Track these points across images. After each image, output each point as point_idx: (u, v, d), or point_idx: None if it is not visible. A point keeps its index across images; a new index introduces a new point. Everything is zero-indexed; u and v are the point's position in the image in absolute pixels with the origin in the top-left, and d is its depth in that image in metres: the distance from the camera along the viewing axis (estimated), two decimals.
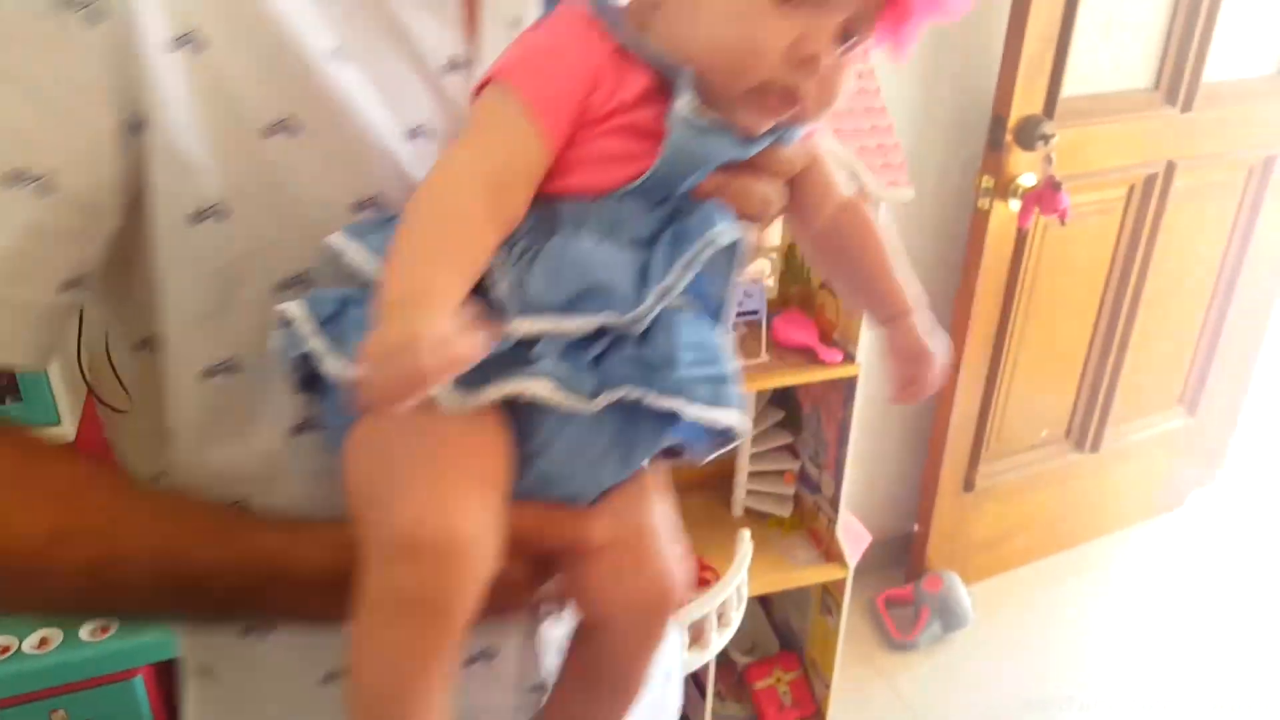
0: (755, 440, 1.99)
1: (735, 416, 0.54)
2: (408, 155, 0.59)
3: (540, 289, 0.52)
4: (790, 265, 1.95)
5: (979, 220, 2.05)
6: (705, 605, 1.70)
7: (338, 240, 0.54)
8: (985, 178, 2.00)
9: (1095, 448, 2.51)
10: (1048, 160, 1.94)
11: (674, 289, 0.53)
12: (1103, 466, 2.55)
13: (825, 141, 0.62)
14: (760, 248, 1.94)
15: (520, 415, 0.52)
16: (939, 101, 2.03)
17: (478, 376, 0.49)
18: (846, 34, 0.53)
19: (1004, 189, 2.01)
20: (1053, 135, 1.93)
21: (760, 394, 1.98)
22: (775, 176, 0.59)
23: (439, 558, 0.47)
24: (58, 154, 0.52)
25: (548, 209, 0.54)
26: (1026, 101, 1.93)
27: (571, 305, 0.52)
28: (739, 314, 1.75)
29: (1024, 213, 2.00)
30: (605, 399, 0.51)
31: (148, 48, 0.52)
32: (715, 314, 0.58)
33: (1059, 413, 2.46)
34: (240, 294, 0.58)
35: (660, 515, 0.61)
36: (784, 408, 2.04)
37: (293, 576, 0.58)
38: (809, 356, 1.82)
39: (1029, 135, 1.95)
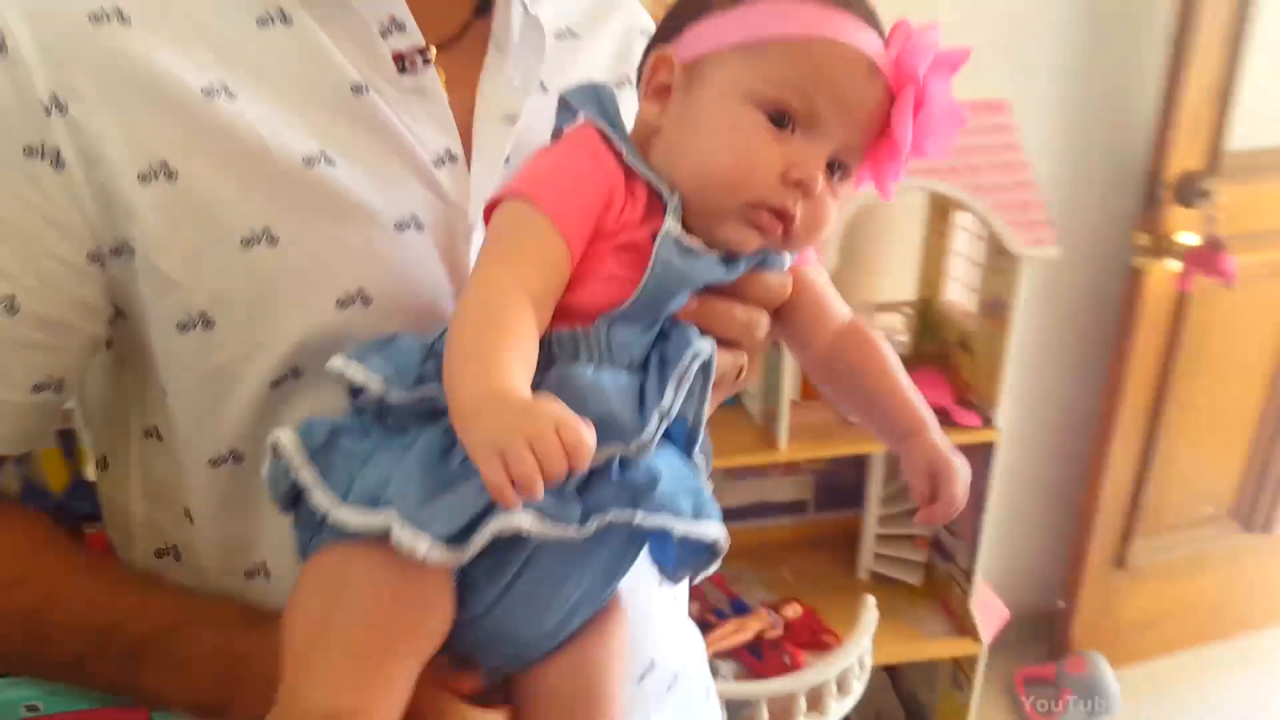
0: (884, 502, 1.93)
1: (719, 529, 0.54)
2: (395, 247, 0.61)
3: None
4: (925, 321, 1.89)
5: (1133, 280, 1.94)
6: (824, 671, 1.65)
7: (338, 363, 0.55)
8: (1141, 235, 1.90)
9: (1265, 528, 2.31)
10: (1210, 219, 1.83)
11: (671, 410, 0.53)
12: (1273, 549, 2.35)
13: (818, 268, 0.64)
14: (894, 302, 1.89)
15: (493, 547, 0.51)
16: (1090, 154, 1.94)
17: (462, 523, 0.49)
18: (835, 165, 0.56)
19: (1161, 248, 1.89)
20: (1216, 192, 1.81)
21: (890, 454, 1.91)
22: (759, 302, 0.60)
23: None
24: (21, 280, 0.57)
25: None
26: (1186, 156, 1.82)
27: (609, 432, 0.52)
28: None
29: (1185, 274, 1.88)
30: (595, 524, 0.51)
31: (120, 184, 0.57)
32: (687, 436, 0.57)
33: (1224, 489, 2.28)
34: (236, 392, 0.61)
35: (619, 652, 0.62)
36: None
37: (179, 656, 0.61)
38: (942, 418, 1.74)
39: (1189, 192, 1.84)
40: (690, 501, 0.53)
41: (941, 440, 0.59)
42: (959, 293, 1.83)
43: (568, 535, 0.51)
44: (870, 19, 0.56)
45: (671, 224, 0.54)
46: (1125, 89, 1.90)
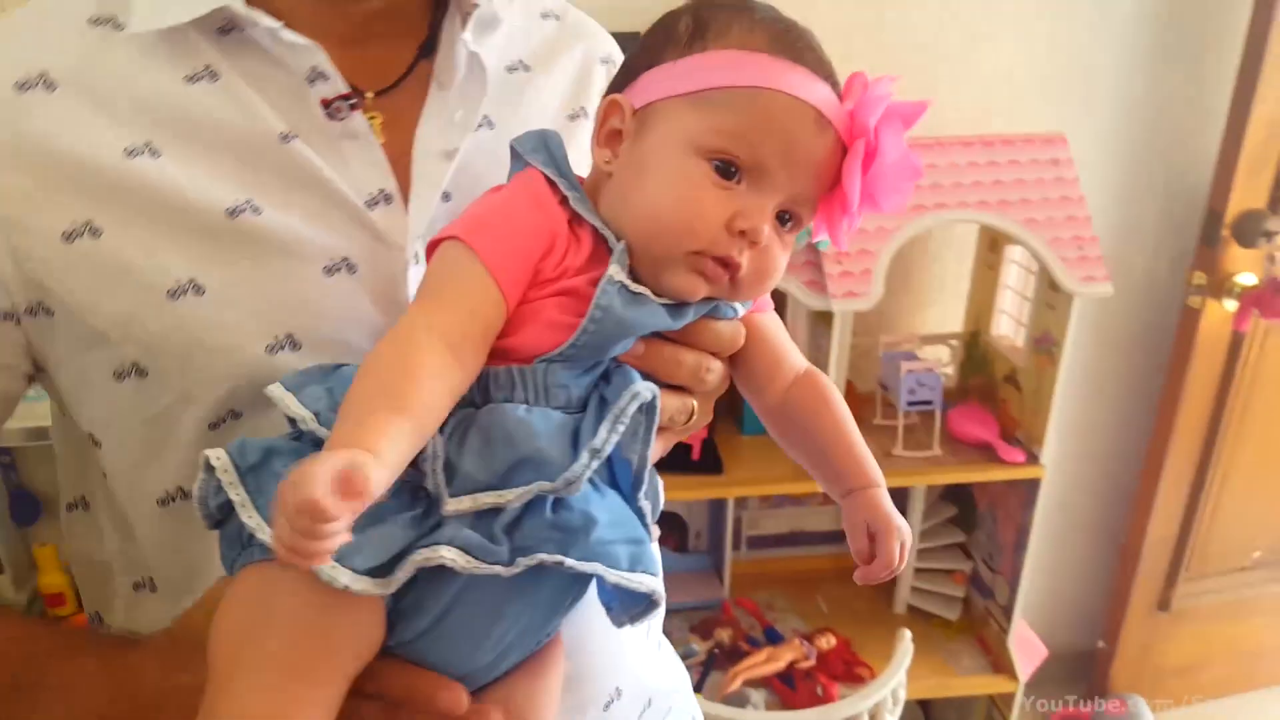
0: (923, 536, 1.90)
1: (655, 582, 0.54)
2: (323, 290, 0.61)
3: (474, 466, 0.51)
4: (971, 354, 1.87)
5: (1188, 319, 1.90)
6: (857, 704, 1.63)
7: (275, 391, 0.55)
8: (1198, 274, 1.86)
9: None
10: (1270, 259, 1.79)
11: (604, 449, 0.52)
12: None
13: (772, 317, 0.63)
14: (940, 334, 1.87)
15: (424, 577, 0.50)
16: (1148, 190, 1.91)
17: (387, 556, 0.49)
18: (786, 215, 0.57)
19: (1219, 288, 1.86)
20: (1277, 232, 1.77)
21: (930, 488, 1.89)
22: (709, 349, 0.60)
23: None
24: None
25: (477, 379, 0.54)
26: (1248, 195, 1.78)
27: (506, 478, 0.51)
28: (911, 403, 1.69)
29: (1241, 314, 1.84)
30: (523, 564, 0.50)
31: (42, 244, 0.59)
32: (633, 480, 0.56)
33: (1274, 534, 2.23)
34: (176, 435, 0.62)
35: (553, 690, 0.61)
36: (956, 504, 1.94)
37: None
38: (987, 453, 1.73)
39: (1250, 231, 1.80)
40: (627, 551, 0.53)
41: (885, 500, 0.59)
42: (1007, 327, 1.80)
43: (494, 572, 0.50)
44: (822, 70, 0.56)
45: (615, 270, 0.54)
46: (1187, 126, 1.86)
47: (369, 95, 0.65)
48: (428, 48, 0.68)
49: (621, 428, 0.53)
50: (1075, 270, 1.58)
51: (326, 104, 0.63)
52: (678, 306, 0.57)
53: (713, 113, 0.54)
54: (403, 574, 0.49)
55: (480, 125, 0.68)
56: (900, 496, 1.90)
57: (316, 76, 0.63)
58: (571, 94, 0.74)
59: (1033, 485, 1.73)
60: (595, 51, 0.77)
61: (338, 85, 0.63)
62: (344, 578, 0.47)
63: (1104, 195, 1.82)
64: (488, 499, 0.51)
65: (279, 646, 0.49)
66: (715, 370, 0.60)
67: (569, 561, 0.50)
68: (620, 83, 0.60)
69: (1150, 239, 1.93)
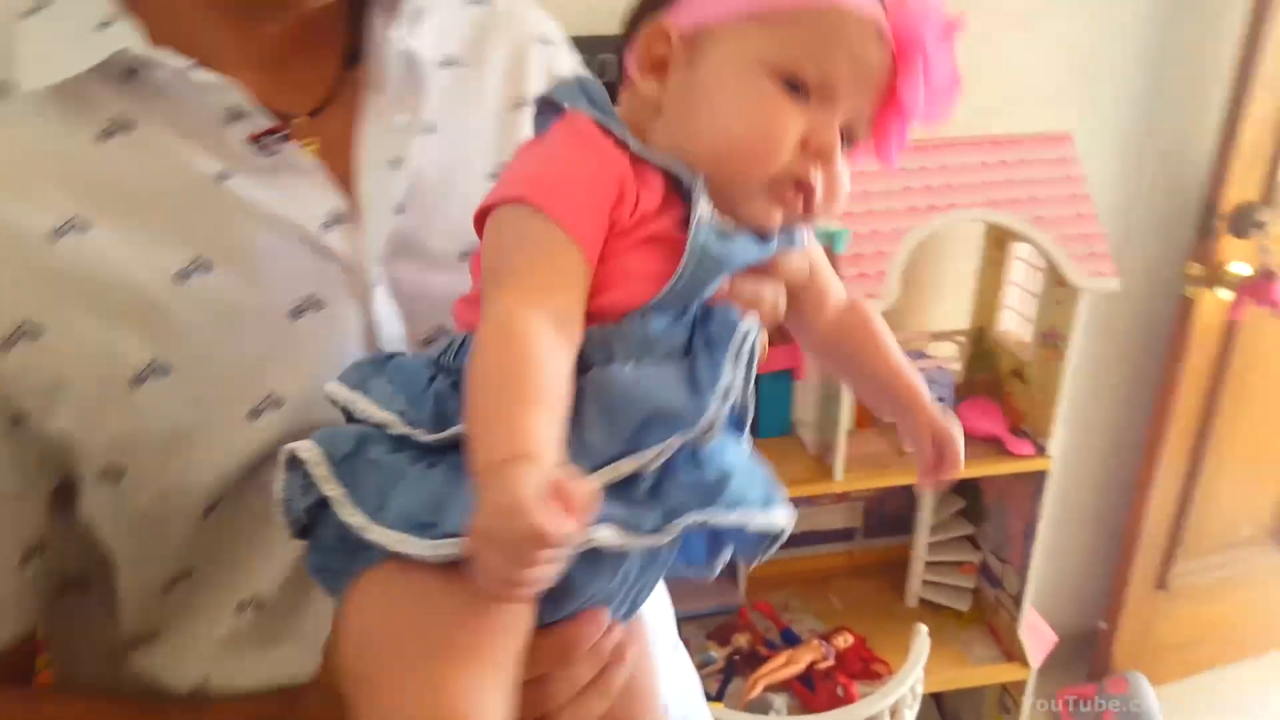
0: (934, 529, 1.93)
1: (788, 515, 0.53)
2: (294, 338, 0.58)
3: (598, 438, 0.49)
4: (979, 350, 1.89)
5: (1185, 309, 1.94)
6: (876, 703, 1.64)
7: (340, 393, 0.52)
8: (1194, 265, 1.90)
9: None
10: (1263, 249, 1.83)
11: (733, 389, 0.51)
12: None
13: (818, 247, 0.62)
14: (948, 332, 1.89)
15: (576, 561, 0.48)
16: (1147, 186, 1.94)
17: None
18: (844, 134, 0.54)
19: (1214, 278, 1.89)
20: (1269, 223, 1.81)
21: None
22: (785, 280, 0.58)
23: None
24: None
25: None
26: (1243, 188, 1.82)
27: (637, 439, 0.49)
28: None
29: (1237, 304, 1.88)
30: (677, 527, 0.49)
31: None
32: (738, 420, 0.55)
33: (1263, 511, 2.29)
34: (170, 527, 0.58)
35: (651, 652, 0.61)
36: (965, 496, 1.97)
37: None
38: (996, 446, 1.75)
39: (1244, 223, 1.84)
40: (760, 491, 0.52)
41: (937, 408, 0.61)
42: (1013, 322, 1.83)
43: (653, 543, 0.49)
44: None
45: (704, 207, 0.52)
46: (1185, 123, 1.89)
47: (300, 119, 0.61)
48: (354, 55, 0.63)
49: (743, 365, 0.52)
50: (1083, 266, 1.61)
51: (255, 139, 0.58)
52: (762, 239, 0.55)
53: (779, 31, 0.52)
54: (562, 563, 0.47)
55: (424, 130, 0.64)
56: (908, 491, 1.93)
57: (235, 116, 0.57)
58: (509, 84, 0.70)
59: (1040, 477, 1.76)
60: (523, 32, 0.72)
61: (259, 121, 0.58)
62: None
63: (1105, 192, 1.84)
64: (627, 466, 0.49)
65: (435, 643, 0.45)
66: (784, 302, 0.59)
67: (717, 516, 0.49)
68: (655, 5, 0.55)
69: (1148, 233, 1.97)
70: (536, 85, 0.70)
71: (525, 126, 0.68)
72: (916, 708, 1.74)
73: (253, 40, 0.60)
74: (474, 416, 0.44)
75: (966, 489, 1.97)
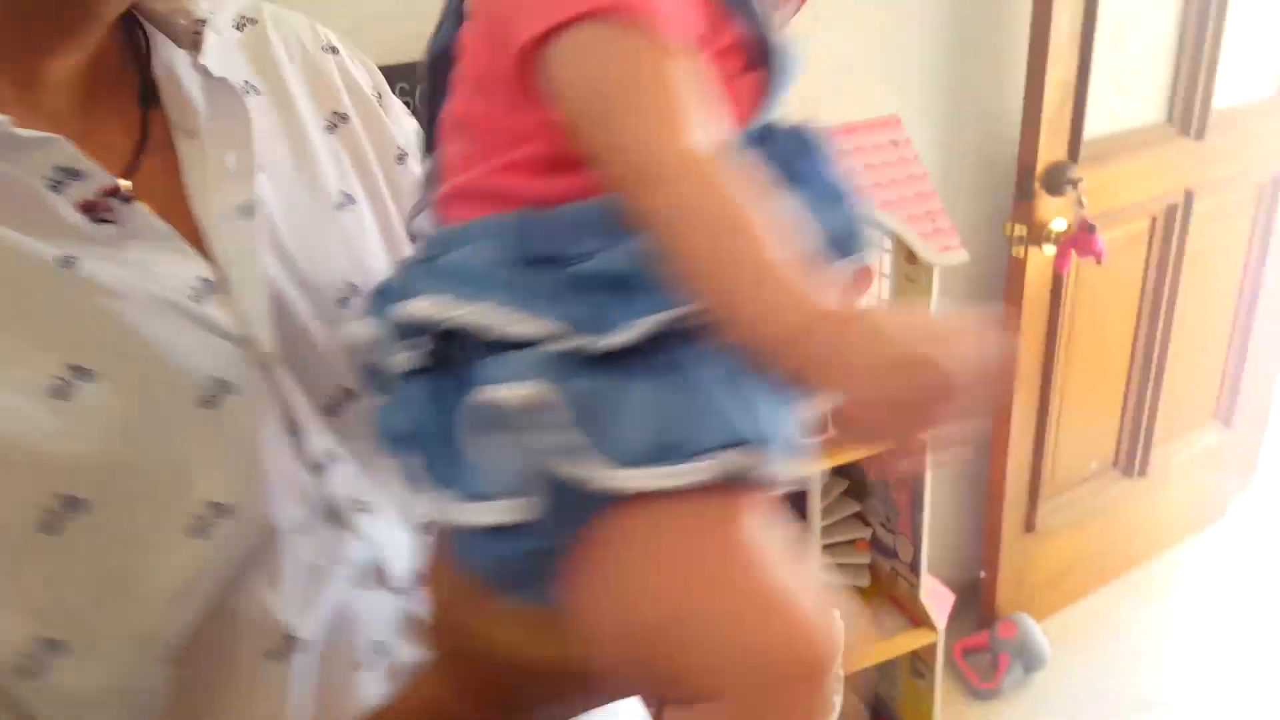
0: (824, 512, 1.98)
1: None
2: (216, 428, 0.49)
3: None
4: None
5: (1015, 269, 2.07)
6: None
7: (445, 310, 0.41)
8: (1017, 226, 2.02)
9: (1143, 472, 2.52)
10: (1079, 203, 1.97)
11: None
12: (1151, 489, 2.56)
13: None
14: None
15: None
16: (966, 158, 2.06)
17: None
18: None
19: (1037, 236, 2.03)
20: (1080, 179, 1.96)
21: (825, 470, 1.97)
22: None
23: (827, 666, 0.41)
24: None
25: None
26: (1051, 149, 1.95)
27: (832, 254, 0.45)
28: None
29: (1061, 257, 2.02)
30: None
31: None
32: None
33: (1106, 444, 2.47)
34: (146, 659, 0.49)
35: None
36: (847, 477, 2.03)
37: None
38: None
39: (1057, 181, 1.97)
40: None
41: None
42: (870, 304, 1.89)
43: None
44: None
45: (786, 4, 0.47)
46: (992, 94, 2.02)
47: (119, 182, 0.50)
48: (149, 95, 0.55)
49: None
50: (932, 242, 1.69)
51: (86, 208, 0.48)
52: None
53: None
54: None
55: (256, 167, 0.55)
56: (800, 481, 1.97)
57: (62, 179, 0.47)
58: (318, 103, 0.63)
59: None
60: (309, 45, 0.65)
61: (97, 178, 0.48)
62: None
63: (930, 168, 1.94)
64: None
65: (751, 563, 0.40)
66: None
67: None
68: None
69: (974, 202, 2.08)
70: (345, 97, 0.64)
71: (353, 142, 0.63)
72: (841, 693, 1.78)
73: (44, 86, 0.50)
74: (734, 287, 0.38)
75: (847, 469, 2.03)
